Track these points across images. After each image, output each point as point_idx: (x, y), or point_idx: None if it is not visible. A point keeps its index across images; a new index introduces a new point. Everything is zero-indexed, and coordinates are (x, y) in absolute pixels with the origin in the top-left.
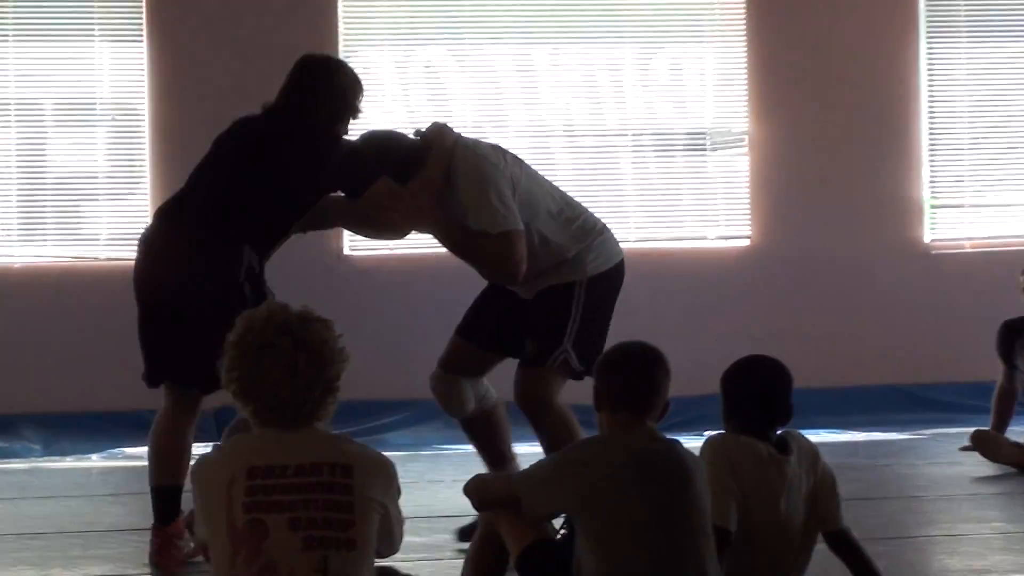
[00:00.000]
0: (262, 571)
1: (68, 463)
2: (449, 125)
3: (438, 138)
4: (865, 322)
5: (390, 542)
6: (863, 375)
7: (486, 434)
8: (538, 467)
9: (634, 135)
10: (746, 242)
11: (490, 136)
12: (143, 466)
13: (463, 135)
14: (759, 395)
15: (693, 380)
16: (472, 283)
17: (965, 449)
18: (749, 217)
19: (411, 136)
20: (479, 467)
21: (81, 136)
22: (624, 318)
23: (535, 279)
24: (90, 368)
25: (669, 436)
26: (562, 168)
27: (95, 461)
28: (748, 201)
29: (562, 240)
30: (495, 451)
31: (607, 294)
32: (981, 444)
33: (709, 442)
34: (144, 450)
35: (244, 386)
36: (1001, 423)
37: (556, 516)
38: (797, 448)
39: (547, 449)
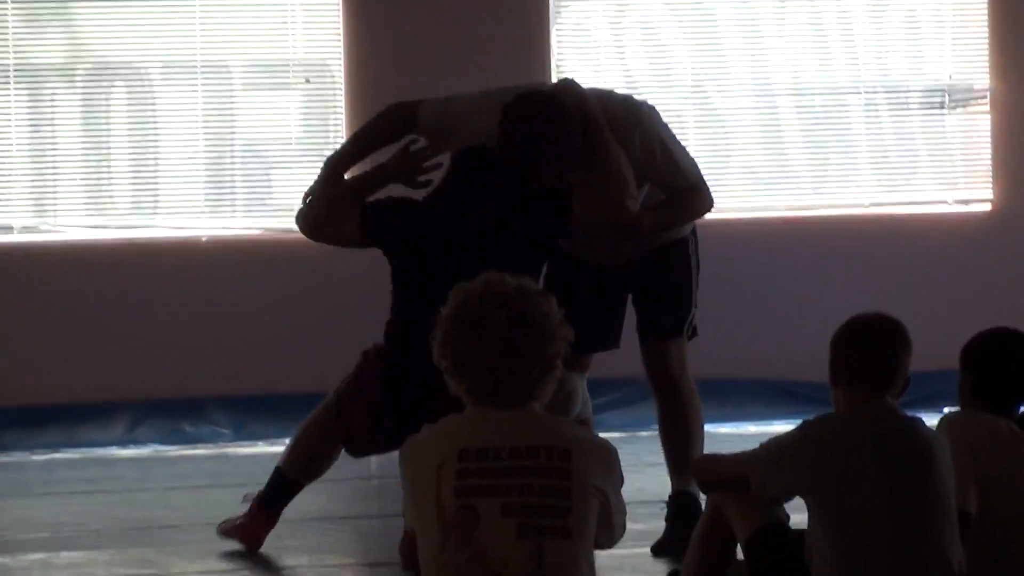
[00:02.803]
0: (473, 558)
1: (259, 448)
2: (574, 79)
3: (580, 98)
4: None
5: (610, 532)
6: None
7: None
8: (770, 445)
9: (867, 93)
10: (987, 207)
11: (712, 97)
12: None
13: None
14: (1003, 370)
15: (929, 354)
16: None
17: None
18: (991, 180)
19: (541, 106)
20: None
21: (272, 100)
22: (855, 286)
23: (647, 237)
24: (282, 347)
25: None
26: (789, 128)
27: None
28: (990, 163)
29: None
30: None
31: (699, 245)
32: None
33: (947, 420)
34: None
35: (458, 362)
36: None
37: (788, 498)
38: None
39: (674, 424)
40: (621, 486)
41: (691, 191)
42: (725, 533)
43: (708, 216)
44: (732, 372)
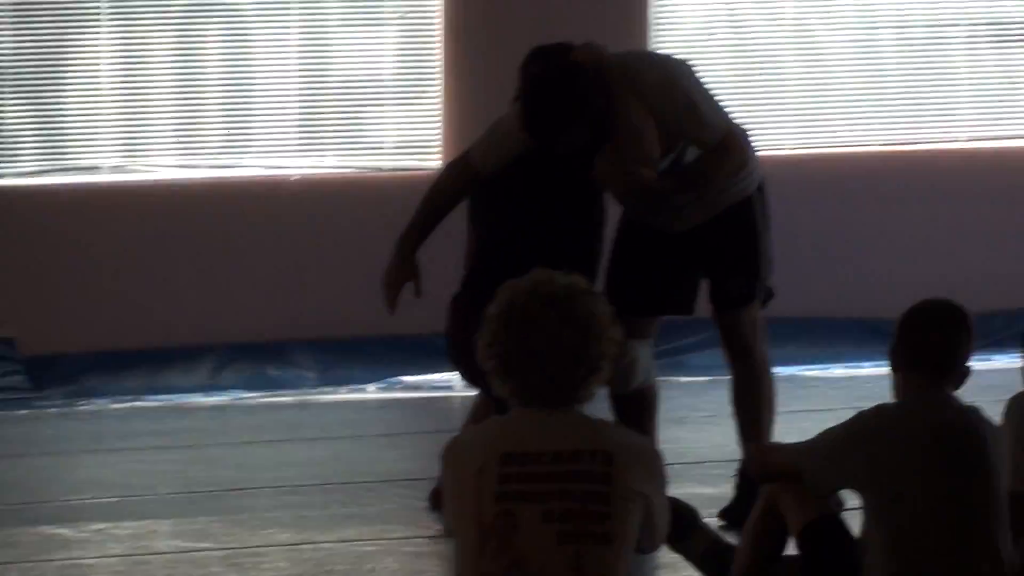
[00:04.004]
0: (511, 567)
1: (342, 395)
2: (594, 43)
3: (600, 62)
4: None
5: (652, 536)
6: None
7: (642, 411)
8: (824, 437)
9: (969, 25)
10: None
11: (815, 29)
12: (423, 399)
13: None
14: None
15: (1019, 292)
16: None
17: None
18: None
19: (557, 69)
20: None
21: (367, 36)
22: (952, 222)
23: (712, 199)
24: (371, 289)
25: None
26: (890, 63)
27: (371, 393)
28: None
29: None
30: (647, 432)
31: (768, 202)
32: None
33: (1015, 400)
34: (425, 379)
35: (505, 362)
36: None
37: (841, 490)
38: None
39: (748, 397)
40: (665, 488)
41: (719, 149)
42: (777, 524)
43: (805, 151)
44: (823, 311)
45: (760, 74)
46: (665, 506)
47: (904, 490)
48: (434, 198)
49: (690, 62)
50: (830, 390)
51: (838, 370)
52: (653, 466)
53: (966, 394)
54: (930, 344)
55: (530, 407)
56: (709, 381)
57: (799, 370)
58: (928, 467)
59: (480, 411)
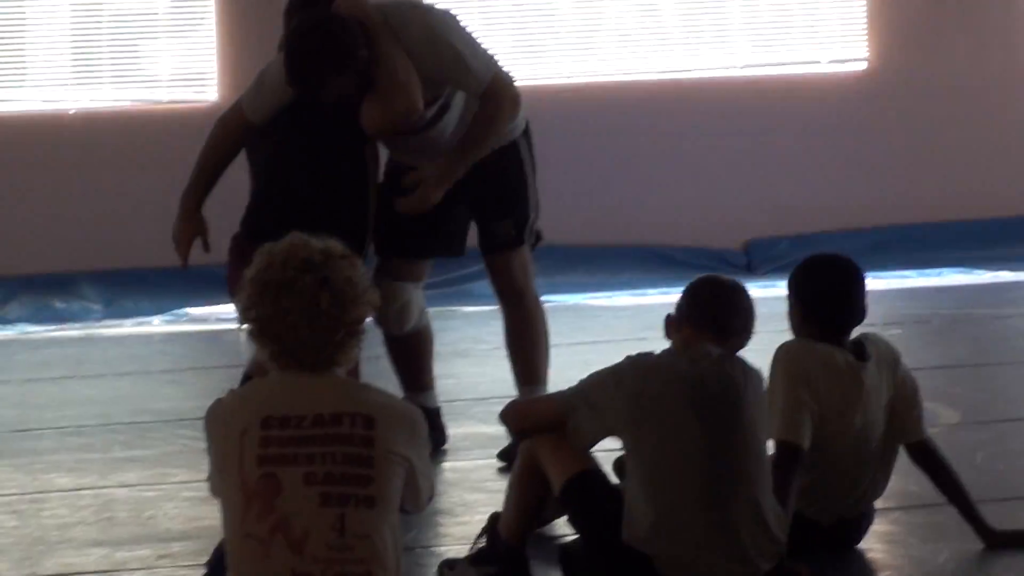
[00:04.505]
0: (275, 528)
1: (127, 328)
2: None
3: (363, 14)
4: (995, 148)
5: (417, 498)
6: (993, 206)
7: (419, 353)
8: (589, 382)
9: None
10: (863, 65)
11: None
12: (207, 331)
13: None
14: (833, 298)
15: (807, 217)
16: None
17: None
18: (866, 37)
19: (320, 21)
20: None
21: None
22: (731, 148)
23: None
24: (154, 219)
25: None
26: None
27: (157, 325)
28: (864, 19)
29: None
30: (424, 374)
31: (533, 145)
32: None
33: (784, 349)
34: (211, 311)
35: (263, 326)
36: None
37: (601, 438)
38: (876, 353)
39: (522, 339)
40: (428, 450)
41: (489, 100)
42: (540, 478)
43: (581, 79)
44: (605, 239)
45: (532, 2)
46: (428, 468)
47: (660, 438)
48: (210, 153)
49: (454, 9)
50: (614, 319)
51: (623, 298)
52: (415, 428)
53: None
54: (718, 315)
55: (290, 371)
56: (493, 311)
57: (584, 298)
58: (684, 417)
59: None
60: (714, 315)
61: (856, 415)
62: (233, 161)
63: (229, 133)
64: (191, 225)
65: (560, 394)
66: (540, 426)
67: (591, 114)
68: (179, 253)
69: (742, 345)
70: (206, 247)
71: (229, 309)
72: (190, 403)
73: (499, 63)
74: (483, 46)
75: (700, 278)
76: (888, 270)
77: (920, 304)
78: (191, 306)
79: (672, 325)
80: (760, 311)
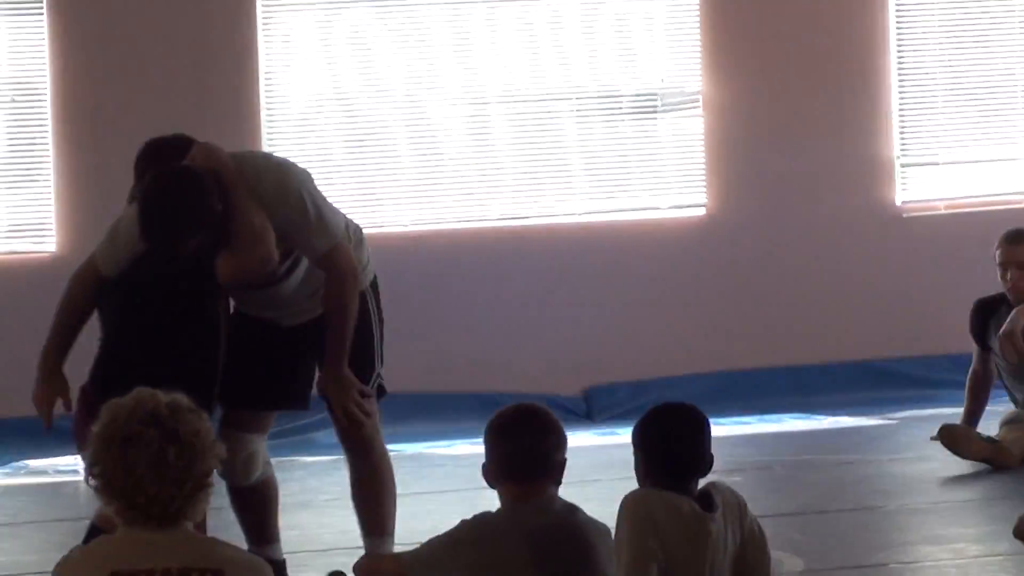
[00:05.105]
0: None
1: None
2: (212, 144)
3: (219, 165)
4: (833, 293)
5: None
6: (831, 351)
7: (264, 505)
8: (429, 546)
9: (578, 98)
10: (702, 211)
11: (425, 104)
12: (47, 484)
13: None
14: (677, 446)
15: (647, 363)
16: None
17: (935, 439)
18: (704, 184)
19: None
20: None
21: None
22: (573, 295)
23: (314, 296)
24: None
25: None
26: (501, 137)
27: None
28: (703, 166)
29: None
30: (269, 526)
31: (380, 297)
32: (950, 440)
33: (630, 498)
34: (50, 462)
35: (109, 481)
36: (975, 409)
37: None
38: (722, 502)
39: (369, 491)
40: None
41: (325, 267)
42: None
43: (420, 227)
44: (445, 386)
45: (372, 151)
46: None
47: None
48: (67, 311)
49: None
50: (456, 468)
51: (464, 446)
52: None
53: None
54: (517, 452)
55: (136, 525)
56: (333, 460)
57: (425, 447)
58: (530, 572)
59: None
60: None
61: (704, 565)
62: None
63: (84, 288)
64: (52, 386)
65: (406, 554)
66: None
67: (431, 262)
68: (42, 415)
69: (559, 474)
70: (67, 407)
71: (69, 461)
72: (28, 557)
73: (343, 236)
74: (335, 214)
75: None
76: (728, 416)
77: (760, 451)
78: (29, 458)
79: (490, 474)
80: (599, 458)
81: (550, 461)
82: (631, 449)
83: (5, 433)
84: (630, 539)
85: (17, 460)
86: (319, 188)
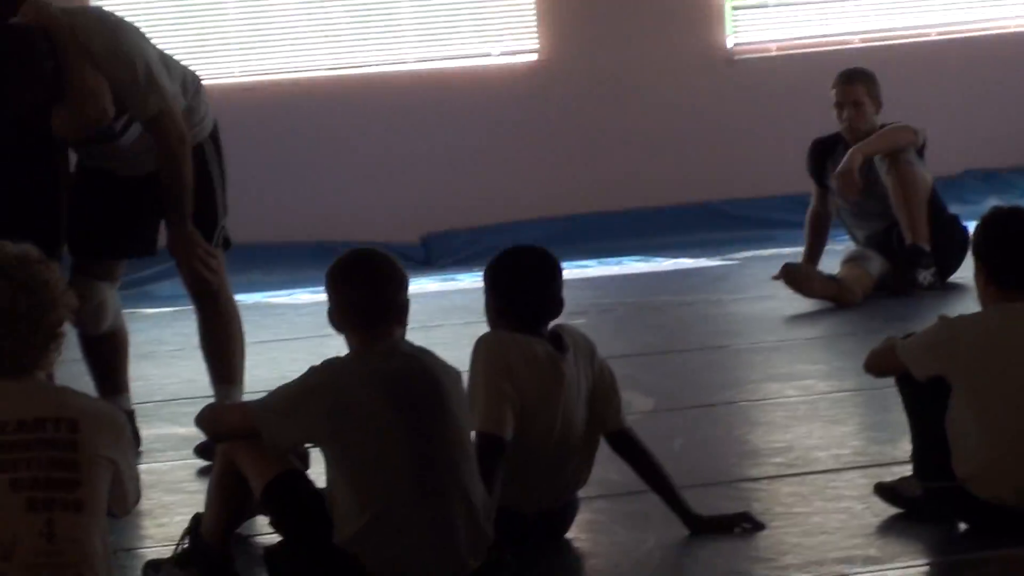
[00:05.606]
0: None
1: None
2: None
3: (49, 21)
4: (669, 137)
5: (123, 501)
6: (670, 194)
7: (115, 354)
8: (277, 395)
9: None
10: (533, 57)
11: None
12: None
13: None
14: (530, 289)
15: (485, 210)
16: None
17: (777, 279)
18: (536, 29)
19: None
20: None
21: None
22: (406, 145)
23: (153, 150)
24: None
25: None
26: None
27: None
28: (534, 11)
29: (180, 96)
30: (120, 376)
31: (222, 147)
32: (792, 279)
33: (483, 341)
34: None
35: None
36: (815, 248)
37: (301, 444)
38: (573, 344)
39: (217, 339)
40: (133, 453)
41: (151, 128)
42: (240, 480)
43: (252, 78)
44: (282, 236)
45: (200, 2)
46: (134, 470)
47: (362, 440)
48: None
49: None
50: (296, 316)
51: (303, 295)
52: (119, 431)
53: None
54: (362, 299)
55: None
56: (175, 312)
57: (265, 297)
58: (383, 415)
59: None
60: (357, 310)
61: (558, 406)
62: None
63: None
64: None
65: (253, 403)
66: (235, 433)
67: (265, 113)
68: None
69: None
70: None
71: None
72: None
73: (178, 98)
74: (168, 74)
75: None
76: (567, 261)
77: (602, 293)
78: None
79: (335, 320)
80: (441, 304)
81: (394, 305)
82: (472, 294)
83: None
84: (486, 383)
85: None
86: (153, 45)
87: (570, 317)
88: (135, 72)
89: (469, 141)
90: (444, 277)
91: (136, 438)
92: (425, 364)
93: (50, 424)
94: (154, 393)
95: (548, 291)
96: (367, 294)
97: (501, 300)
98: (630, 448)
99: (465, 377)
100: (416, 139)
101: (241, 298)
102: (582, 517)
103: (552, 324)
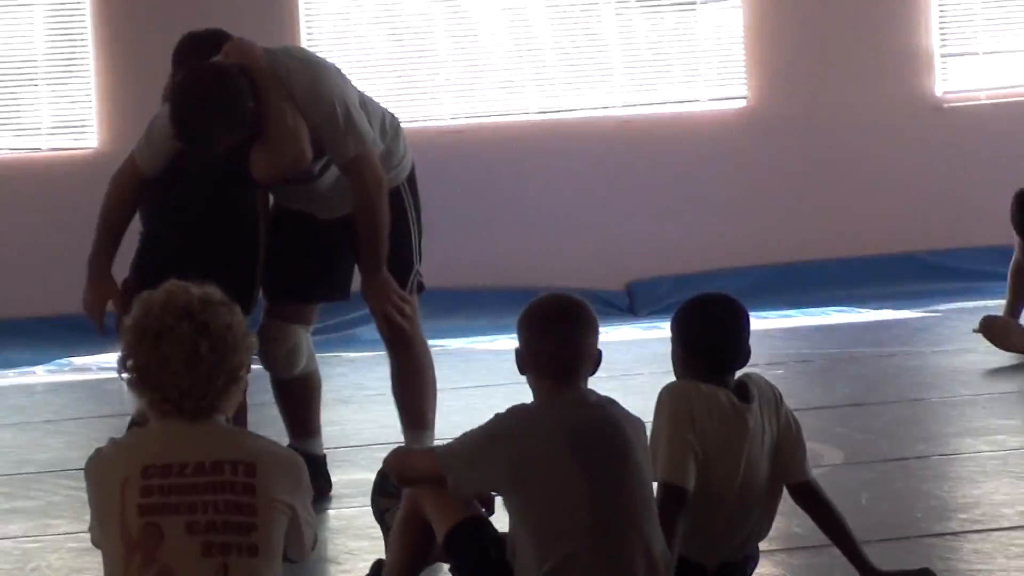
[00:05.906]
0: None
1: (10, 379)
2: (246, 40)
3: (250, 61)
4: (875, 185)
5: (300, 546)
6: (874, 243)
7: (306, 398)
8: (464, 442)
9: None
10: (742, 103)
11: (462, 3)
12: (90, 380)
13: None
14: (716, 338)
15: (690, 257)
16: None
17: (977, 331)
18: (745, 76)
19: (211, 70)
20: (456, 372)
21: (17, 17)
22: (612, 191)
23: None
24: (37, 268)
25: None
26: (541, 31)
27: (40, 375)
28: (743, 59)
29: (378, 139)
30: (311, 420)
31: (418, 190)
32: (991, 332)
33: (668, 390)
34: (94, 360)
35: (141, 374)
36: (1017, 302)
37: (486, 491)
38: (758, 394)
39: (410, 386)
40: (310, 498)
41: (349, 173)
42: (424, 525)
43: (462, 121)
44: (488, 282)
45: (412, 45)
46: (311, 515)
47: (547, 491)
48: (109, 213)
49: (340, 67)
50: (497, 363)
51: (506, 341)
52: (297, 475)
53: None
54: (549, 347)
55: (170, 419)
56: (376, 356)
57: (467, 343)
58: (566, 465)
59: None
60: (543, 358)
61: (740, 457)
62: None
63: (125, 188)
64: (101, 290)
65: (440, 448)
66: (421, 479)
67: (473, 156)
68: (93, 319)
69: (595, 366)
70: (119, 308)
71: (112, 358)
72: (73, 453)
73: (376, 141)
74: (366, 118)
75: (524, 311)
76: (770, 309)
77: (802, 344)
78: (74, 355)
79: (523, 362)
80: (642, 352)
81: (584, 353)
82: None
83: (49, 331)
84: (668, 432)
85: (62, 357)
86: (354, 87)
87: (769, 367)
88: (334, 114)
89: (676, 187)
90: (648, 325)
91: (327, 482)
92: (608, 414)
93: (228, 467)
94: (349, 438)
95: (733, 339)
96: (557, 342)
97: (686, 348)
98: (813, 500)
99: (648, 427)
100: (623, 184)
101: (443, 343)
102: (761, 570)
103: (739, 373)
